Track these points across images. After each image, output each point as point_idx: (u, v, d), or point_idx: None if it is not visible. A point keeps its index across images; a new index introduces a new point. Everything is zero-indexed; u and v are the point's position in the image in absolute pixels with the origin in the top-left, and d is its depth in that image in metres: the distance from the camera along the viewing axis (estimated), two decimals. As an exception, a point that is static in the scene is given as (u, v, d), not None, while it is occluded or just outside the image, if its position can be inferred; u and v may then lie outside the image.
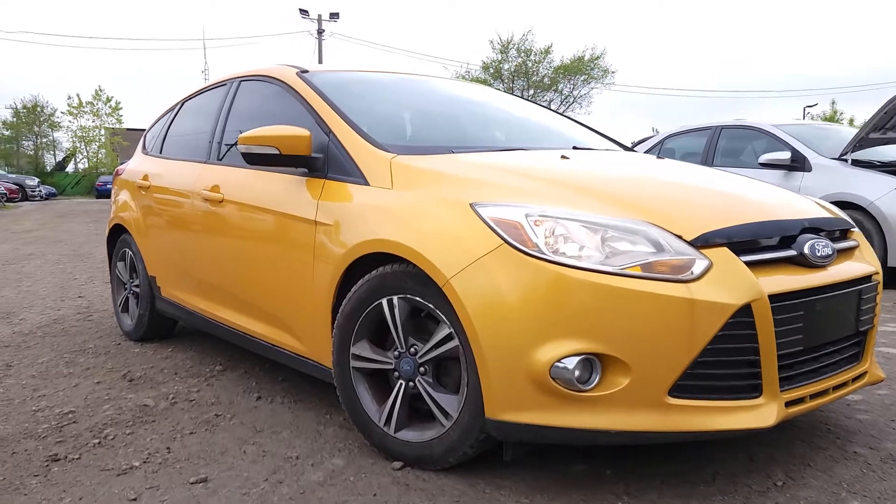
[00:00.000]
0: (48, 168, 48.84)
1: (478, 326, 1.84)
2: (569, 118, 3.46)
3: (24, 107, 48.57)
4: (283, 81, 2.94)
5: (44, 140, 50.93)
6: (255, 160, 2.54)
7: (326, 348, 2.39)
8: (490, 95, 3.68)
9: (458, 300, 1.87)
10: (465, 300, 1.86)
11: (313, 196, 2.46)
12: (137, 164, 4.14)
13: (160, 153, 3.99)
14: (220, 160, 3.23)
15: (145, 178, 3.84)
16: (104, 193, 36.85)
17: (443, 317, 1.98)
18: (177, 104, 4.03)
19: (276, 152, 2.47)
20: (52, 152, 52.09)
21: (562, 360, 1.76)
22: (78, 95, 47.67)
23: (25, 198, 30.38)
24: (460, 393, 1.99)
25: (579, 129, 3.30)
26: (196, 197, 3.19)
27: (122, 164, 4.61)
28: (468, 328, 1.87)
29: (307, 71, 2.96)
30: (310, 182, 2.52)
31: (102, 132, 48.55)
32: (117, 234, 4.20)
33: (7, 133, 48.73)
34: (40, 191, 33.53)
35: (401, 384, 2.13)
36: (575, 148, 2.79)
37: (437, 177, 2.16)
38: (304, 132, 2.48)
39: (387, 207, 2.17)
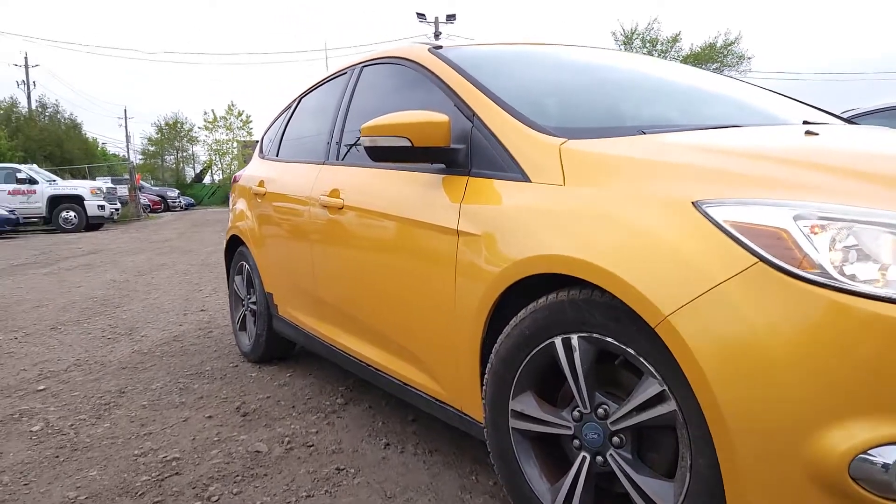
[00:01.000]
0: (187, 180, 52.20)
1: (716, 387, 1.20)
2: (764, 88, 2.71)
3: (167, 123, 52.32)
4: (412, 61, 2.42)
5: (183, 154, 54.61)
6: (380, 155, 2.03)
7: (473, 395, 1.84)
8: (662, 65, 2.97)
9: (682, 346, 1.24)
10: (694, 347, 1.23)
11: (453, 198, 1.92)
12: (254, 170, 3.80)
13: (277, 156, 3.61)
14: (341, 160, 2.77)
15: (261, 184, 3.47)
16: (236, 203, 38.94)
17: (651, 368, 1.36)
18: (294, 100, 3.64)
19: (407, 144, 1.95)
20: (191, 165, 55.76)
21: (871, 451, 1.09)
22: (213, 111, 50.79)
23: (167, 208, 32.45)
24: (678, 479, 1.36)
25: (784, 101, 2.55)
26: (314, 203, 2.75)
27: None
28: (698, 388, 1.24)
29: (441, 47, 2.43)
30: (448, 181, 1.98)
31: (235, 145, 51.32)
32: (235, 246, 3.88)
33: (152, 149, 52.65)
34: (180, 202, 35.73)
35: (584, 457, 1.52)
36: (806, 122, 2.06)
37: (631, 166, 1.53)
38: (442, 117, 1.94)
39: (559, 211, 1.57)
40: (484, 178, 1.86)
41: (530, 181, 1.71)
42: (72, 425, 2.71)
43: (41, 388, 3.24)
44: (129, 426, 2.68)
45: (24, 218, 16.69)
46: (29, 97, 36.42)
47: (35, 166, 19.55)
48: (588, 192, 1.54)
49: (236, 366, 3.59)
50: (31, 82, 36.71)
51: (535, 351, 1.59)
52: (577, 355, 1.50)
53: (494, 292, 1.69)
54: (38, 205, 17.14)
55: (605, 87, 2.38)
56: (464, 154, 1.95)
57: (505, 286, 1.66)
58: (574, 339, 1.50)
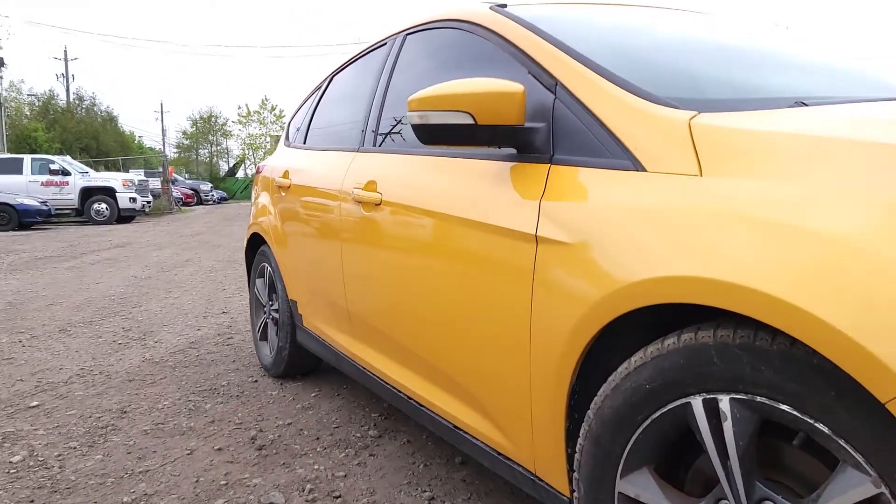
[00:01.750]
0: (221, 174, 52.48)
1: None
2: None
3: (201, 117, 52.68)
4: (470, 23, 1.94)
5: (217, 148, 54.95)
6: (432, 136, 1.56)
7: (555, 458, 1.37)
8: (772, 29, 2.43)
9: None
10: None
11: (529, 193, 1.44)
12: (278, 159, 3.36)
13: (304, 143, 3.17)
14: (378, 147, 2.31)
15: (285, 174, 3.03)
16: (268, 197, 38.94)
17: (859, 457, 0.88)
18: (324, 80, 3.19)
19: (469, 121, 1.48)
20: (224, 159, 56.09)
21: None
22: (247, 105, 50.97)
23: (200, 202, 32.46)
24: None
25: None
26: (345, 198, 2.30)
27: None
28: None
29: (505, 5, 1.94)
30: (522, 170, 1.51)
31: (267, 139, 51.46)
32: (256, 245, 3.45)
33: (187, 142, 53.05)
34: (213, 195, 35.75)
35: (736, 576, 1.04)
36: None
37: (814, 149, 1.03)
38: (516, 86, 1.47)
39: (695, 212, 1.09)
40: (573, 167, 1.39)
41: (645, 170, 1.22)
42: (59, 455, 2.30)
43: (35, 404, 2.85)
44: (124, 459, 2.26)
45: (57, 209, 16.63)
46: (68, 90, 36.82)
47: (68, 158, 19.55)
48: (743, 185, 1.05)
49: (255, 381, 3.17)
50: (69, 75, 37.09)
51: (658, 414, 1.11)
52: (727, 425, 1.02)
53: (592, 325, 1.21)
54: (71, 196, 17.07)
55: (726, 52, 1.87)
56: (544, 135, 1.48)
57: (609, 318, 1.18)
58: (724, 401, 1.01)
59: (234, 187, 48.45)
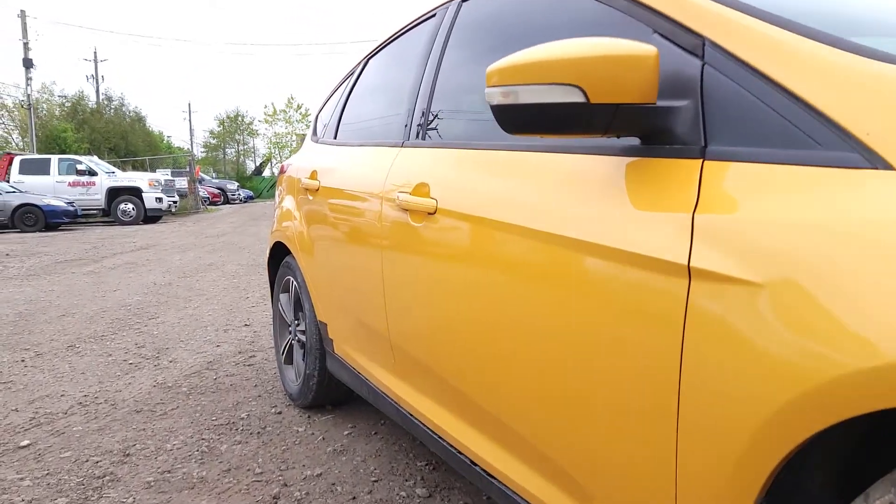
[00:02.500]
0: (248, 173, 52.56)
1: None
2: None
3: (228, 117, 52.78)
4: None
5: (244, 147, 55.00)
6: (523, 120, 1.11)
7: None
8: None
9: None
10: None
11: (669, 202, 0.98)
12: (305, 157, 2.92)
13: (334, 138, 2.74)
14: (428, 140, 1.87)
15: (313, 175, 2.60)
16: (295, 196, 38.81)
17: None
18: (357, 65, 2.74)
19: (579, 98, 1.02)
20: (251, 158, 56.17)
21: None
22: (273, 104, 51.01)
23: (227, 201, 32.38)
24: None
25: None
26: (387, 204, 1.86)
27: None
28: None
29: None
30: (650, 168, 1.05)
31: (293, 138, 51.44)
32: (280, 255, 3.03)
33: (214, 142, 53.21)
34: (239, 194, 35.70)
35: None
36: None
37: None
38: (646, 49, 1.01)
39: None
40: (744, 163, 0.92)
41: (892, 168, 0.76)
42: (42, 519, 1.90)
43: (25, 443, 2.46)
44: (118, 526, 1.85)
45: (83, 210, 16.51)
46: (97, 91, 37.05)
47: (95, 158, 19.47)
48: None
49: (279, 413, 2.74)
50: (99, 76, 37.31)
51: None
52: None
53: (807, 422, 0.75)
54: (97, 197, 16.95)
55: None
56: (688, 117, 1.01)
57: (843, 415, 0.71)
58: None
59: (260, 186, 48.51)
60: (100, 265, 7.84)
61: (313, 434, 2.51)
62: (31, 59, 25.05)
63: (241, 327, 4.36)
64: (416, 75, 2.02)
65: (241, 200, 35.31)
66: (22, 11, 25.23)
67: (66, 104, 34.57)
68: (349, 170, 2.30)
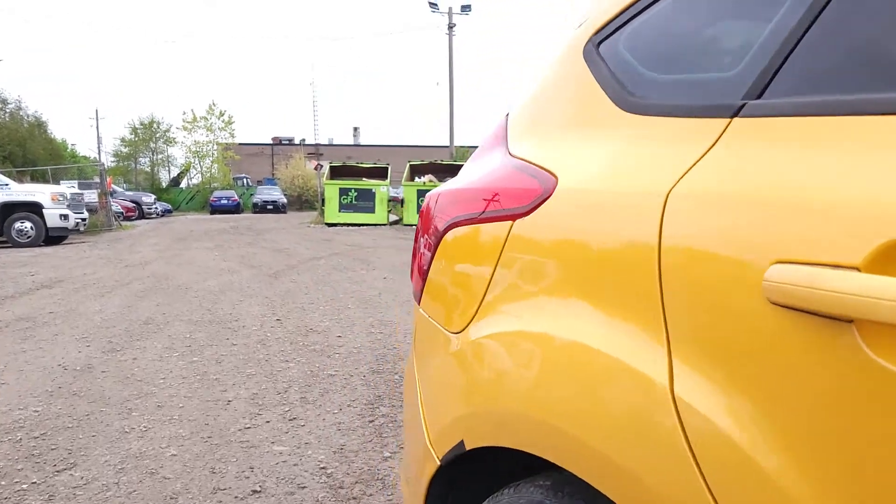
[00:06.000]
0: (163, 184, 48.71)
1: None
2: None
3: (142, 124, 48.68)
4: None
5: (159, 156, 50.92)
6: None
7: None
8: None
9: None
10: None
11: None
12: (492, 176, 0.96)
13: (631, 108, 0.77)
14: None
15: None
16: (218, 209, 35.87)
17: None
18: None
19: None
20: (167, 168, 52.15)
21: None
22: (192, 111, 47.58)
23: (142, 215, 29.16)
24: None
25: None
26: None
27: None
28: None
29: None
30: None
31: (215, 147, 48.07)
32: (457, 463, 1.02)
33: (125, 150, 49.00)
34: (156, 208, 32.43)
35: None
36: None
37: None
38: None
39: None
40: None
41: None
42: None
43: None
44: None
45: (-32, 230, 13.54)
46: (-11, 92, 32.92)
47: (-16, 167, 16.36)
48: None
49: None
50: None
51: None
52: None
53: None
54: (-14, 214, 13.97)
55: None
56: None
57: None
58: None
59: (178, 198, 45.05)
60: (-21, 324, 5.41)
61: None
62: None
63: (246, 495, 2.26)
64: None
65: (158, 214, 32.06)
66: None
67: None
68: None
